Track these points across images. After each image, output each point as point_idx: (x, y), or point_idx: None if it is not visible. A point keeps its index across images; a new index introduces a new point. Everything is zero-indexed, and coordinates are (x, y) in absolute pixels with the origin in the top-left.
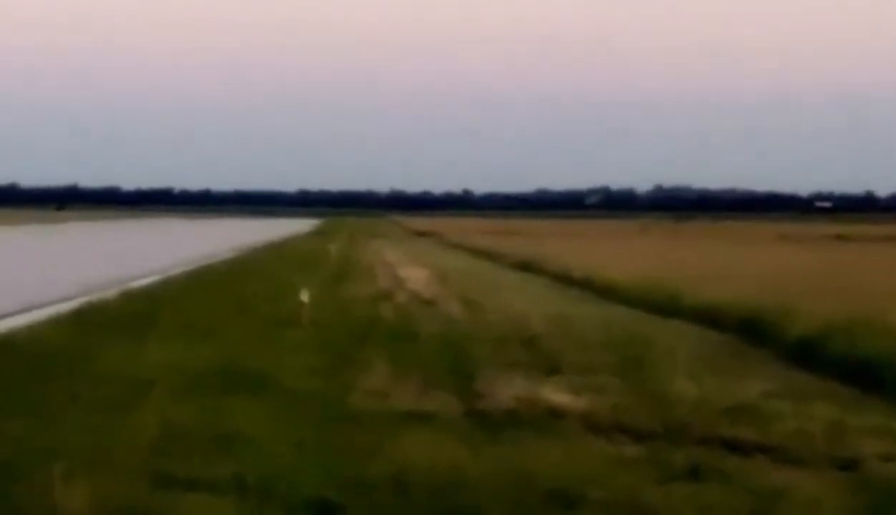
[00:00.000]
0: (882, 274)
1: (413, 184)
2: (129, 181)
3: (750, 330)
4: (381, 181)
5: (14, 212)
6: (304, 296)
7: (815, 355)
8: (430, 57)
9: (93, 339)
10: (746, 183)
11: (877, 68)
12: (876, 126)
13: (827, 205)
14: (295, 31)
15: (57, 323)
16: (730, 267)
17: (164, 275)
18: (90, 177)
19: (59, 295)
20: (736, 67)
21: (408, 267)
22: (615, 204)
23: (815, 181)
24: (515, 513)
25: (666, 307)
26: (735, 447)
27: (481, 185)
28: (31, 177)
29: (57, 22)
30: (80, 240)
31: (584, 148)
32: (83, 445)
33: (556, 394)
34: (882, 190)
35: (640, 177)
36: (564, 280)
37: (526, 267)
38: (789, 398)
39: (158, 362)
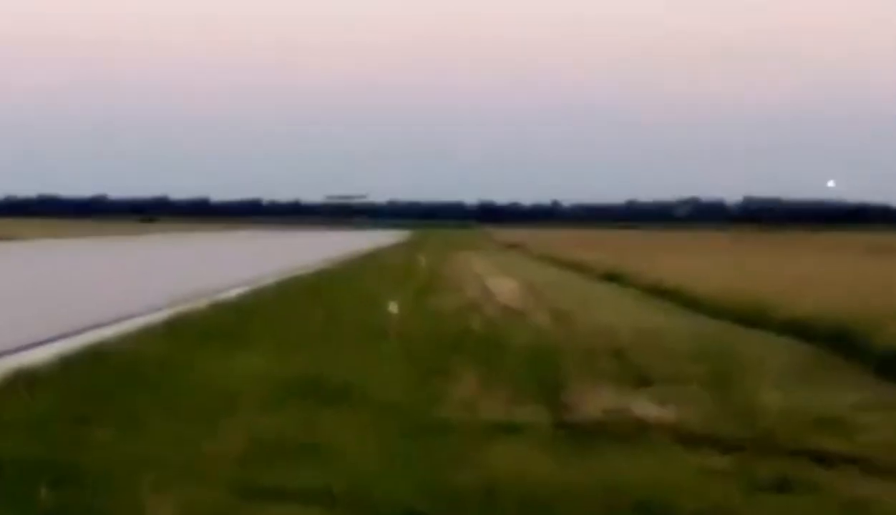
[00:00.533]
0: None
1: (502, 196)
2: (218, 192)
3: (839, 342)
4: (470, 192)
5: (103, 225)
6: (393, 308)
7: None
8: (518, 67)
9: (183, 350)
10: (836, 194)
11: None
12: None
13: None
14: (381, 42)
15: (147, 333)
16: (819, 279)
17: (253, 287)
18: (179, 189)
19: (149, 306)
20: (827, 79)
21: (496, 279)
22: (704, 215)
23: None
24: None
25: (755, 319)
26: (824, 458)
27: (570, 197)
28: (119, 188)
29: (146, 37)
30: (169, 251)
31: (673, 159)
32: (173, 455)
33: (645, 406)
34: None
35: (729, 189)
36: (653, 291)
37: (615, 278)
38: (879, 409)
39: (247, 373)
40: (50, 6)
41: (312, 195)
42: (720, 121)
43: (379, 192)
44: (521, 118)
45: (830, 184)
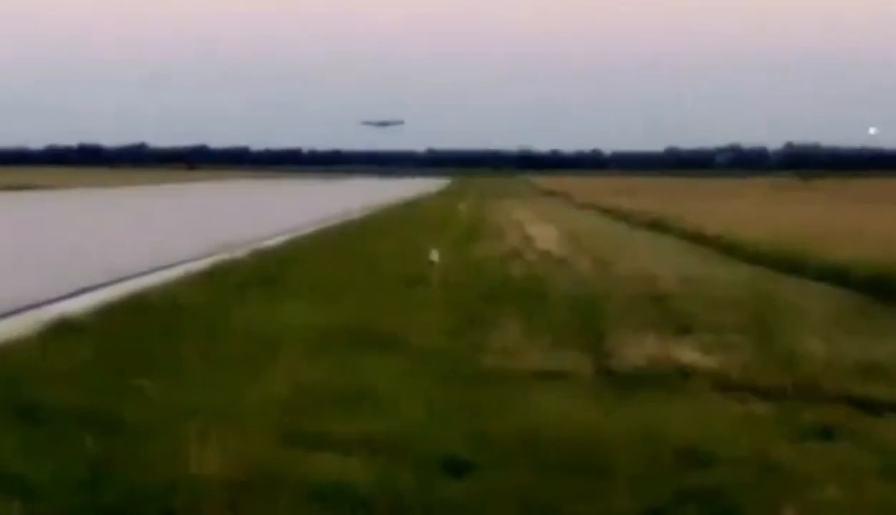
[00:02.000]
0: None
1: (542, 143)
2: (259, 141)
3: (880, 289)
4: (511, 140)
5: (144, 172)
6: (434, 256)
7: None
8: (558, 16)
9: (224, 298)
10: (877, 141)
11: None
12: None
13: None
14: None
15: (188, 282)
16: (860, 226)
17: (294, 235)
18: (219, 138)
19: (190, 254)
20: (865, 25)
21: (537, 227)
22: (745, 162)
23: None
24: (646, 472)
25: (796, 266)
26: (866, 405)
27: (611, 144)
28: (160, 137)
29: None
30: (209, 199)
31: (714, 106)
32: (216, 404)
33: (687, 353)
34: None
35: (770, 136)
36: (694, 239)
37: (655, 226)
38: None
39: (289, 321)
40: None
41: (351, 143)
42: (760, 67)
43: (419, 140)
44: (561, 65)
45: (872, 131)
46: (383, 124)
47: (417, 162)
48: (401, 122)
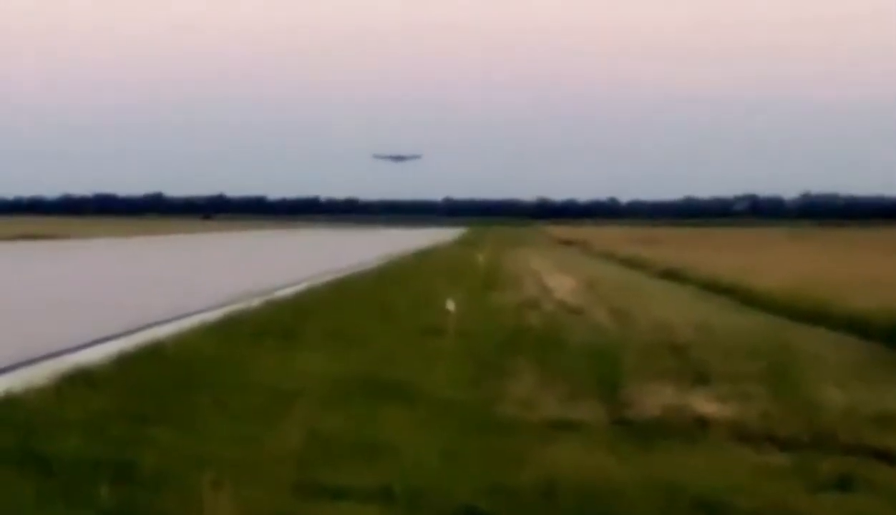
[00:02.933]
0: None
1: (559, 193)
2: (276, 190)
3: None
4: (527, 189)
5: (161, 222)
6: (451, 305)
7: None
8: (574, 64)
9: (240, 348)
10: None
11: None
12: None
13: None
14: (440, 36)
15: (204, 331)
16: (878, 276)
17: (310, 284)
18: (236, 187)
19: (206, 303)
20: (885, 72)
21: (554, 276)
22: (763, 211)
23: None
24: None
25: (813, 315)
26: (884, 456)
27: (628, 193)
28: (177, 186)
29: (204, 35)
30: (226, 249)
31: (731, 155)
32: (231, 454)
33: (704, 403)
34: None
35: (787, 185)
36: (711, 288)
37: (672, 275)
38: None
39: (304, 371)
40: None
41: (370, 194)
42: (779, 115)
43: (436, 190)
44: (577, 113)
45: None
46: (398, 159)
47: (435, 210)
48: (418, 157)
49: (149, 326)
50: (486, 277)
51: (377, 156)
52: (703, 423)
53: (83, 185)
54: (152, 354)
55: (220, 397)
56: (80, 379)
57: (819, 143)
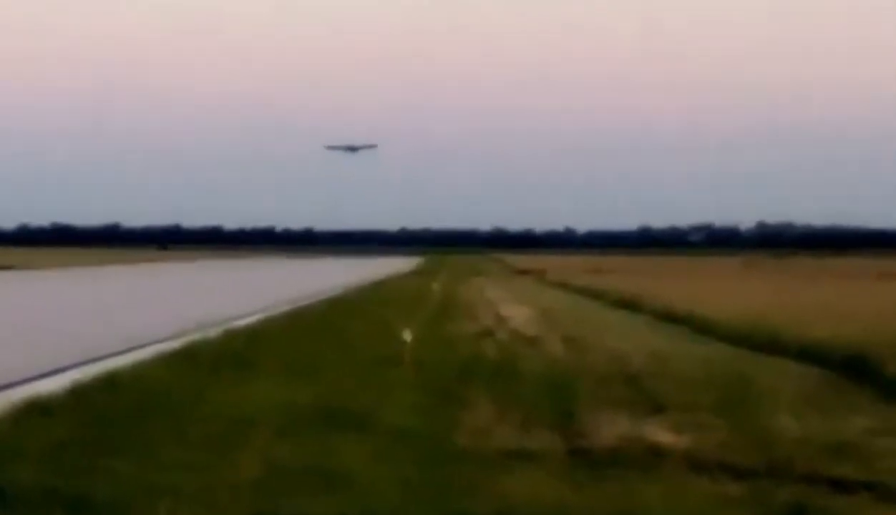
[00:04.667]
0: None
1: (515, 222)
2: (232, 220)
3: (852, 368)
4: (483, 219)
5: (117, 253)
6: (407, 335)
7: None
8: (530, 94)
9: (197, 378)
10: (850, 219)
11: None
12: None
13: None
14: (396, 70)
15: (161, 361)
16: (832, 305)
17: (266, 314)
18: (192, 217)
19: (162, 334)
20: (839, 101)
21: (510, 306)
22: (718, 241)
23: None
24: None
25: (768, 344)
26: (839, 485)
27: (583, 223)
28: (133, 217)
29: (160, 65)
30: (182, 279)
31: (686, 185)
32: (188, 483)
33: (659, 432)
34: None
35: (742, 214)
36: (667, 318)
37: (628, 305)
38: (894, 435)
39: (261, 401)
40: (70, 35)
41: (325, 223)
42: (733, 145)
43: (391, 219)
44: (533, 143)
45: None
46: (352, 149)
47: (390, 240)
48: (373, 146)
49: (105, 357)
50: (441, 307)
51: (330, 147)
52: (658, 453)
53: (39, 216)
54: (109, 384)
55: (176, 426)
56: (36, 410)
57: (774, 173)
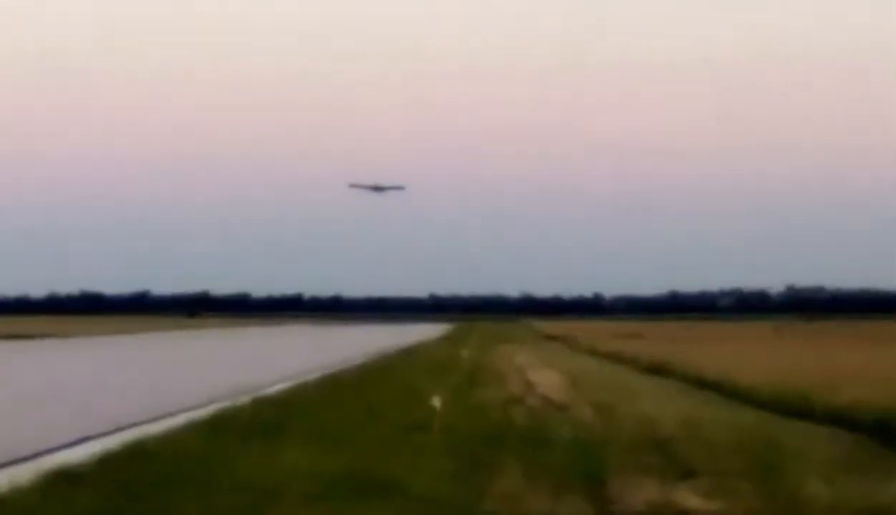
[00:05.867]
0: None
1: (544, 288)
2: (260, 288)
3: (884, 432)
4: (512, 285)
5: (147, 320)
6: (436, 402)
7: None
8: (558, 161)
9: (226, 446)
10: (880, 282)
11: None
12: None
13: None
14: (423, 138)
15: (191, 430)
16: (863, 369)
17: (295, 382)
18: (221, 285)
19: (192, 402)
20: (867, 164)
21: (539, 372)
22: (748, 305)
23: None
24: None
25: (799, 409)
26: None
27: (612, 289)
28: (162, 285)
29: (186, 134)
30: (212, 347)
31: (715, 249)
32: None
33: (689, 498)
34: None
35: (772, 278)
36: (696, 383)
37: (657, 370)
38: None
39: (290, 469)
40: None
41: (353, 290)
42: (762, 210)
43: (420, 287)
44: (562, 210)
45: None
46: (378, 189)
47: (420, 307)
48: (401, 188)
49: (135, 425)
50: (471, 373)
51: (354, 186)
52: None
53: (69, 284)
54: (137, 453)
55: (205, 496)
56: (63, 479)
57: (804, 237)
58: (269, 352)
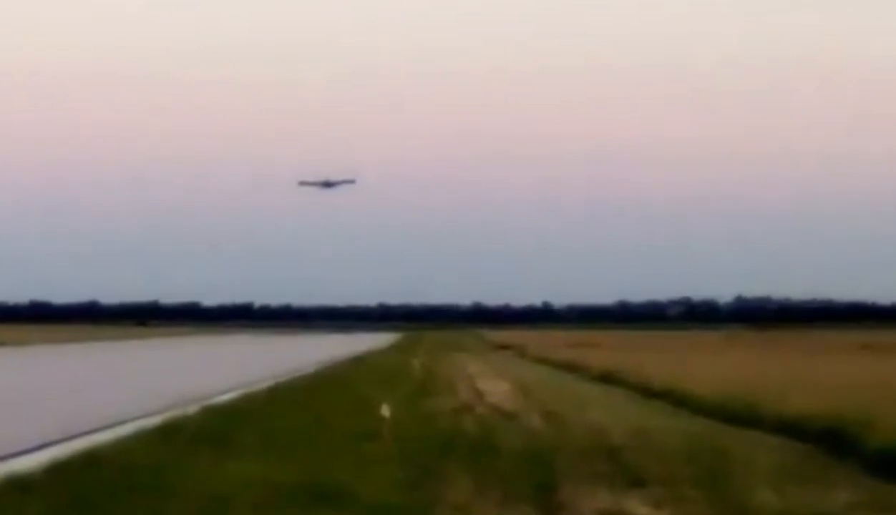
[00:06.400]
0: None
1: (493, 298)
2: (210, 297)
3: (832, 441)
4: (462, 294)
5: (96, 329)
6: (386, 411)
7: None
8: (505, 168)
9: (175, 455)
10: (828, 292)
11: None
12: None
13: None
14: (376, 147)
15: (140, 438)
16: (811, 378)
17: (245, 391)
18: (171, 294)
19: (141, 411)
20: (815, 174)
21: (489, 381)
22: (697, 315)
23: None
24: None
25: (747, 418)
26: None
27: (561, 298)
28: (112, 294)
29: (136, 138)
30: (161, 356)
31: (665, 259)
32: None
33: (638, 506)
34: None
35: (721, 288)
36: (645, 392)
37: (607, 379)
38: (873, 509)
39: (240, 477)
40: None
41: (303, 299)
42: (711, 218)
43: (370, 296)
44: (511, 219)
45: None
46: (328, 185)
47: (369, 316)
48: (352, 181)
49: (84, 434)
50: (421, 382)
51: (304, 183)
52: None
53: (17, 293)
54: (87, 461)
55: (155, 504)
56: (13, 487)
57: (752, 247)
58: (218, 361)
